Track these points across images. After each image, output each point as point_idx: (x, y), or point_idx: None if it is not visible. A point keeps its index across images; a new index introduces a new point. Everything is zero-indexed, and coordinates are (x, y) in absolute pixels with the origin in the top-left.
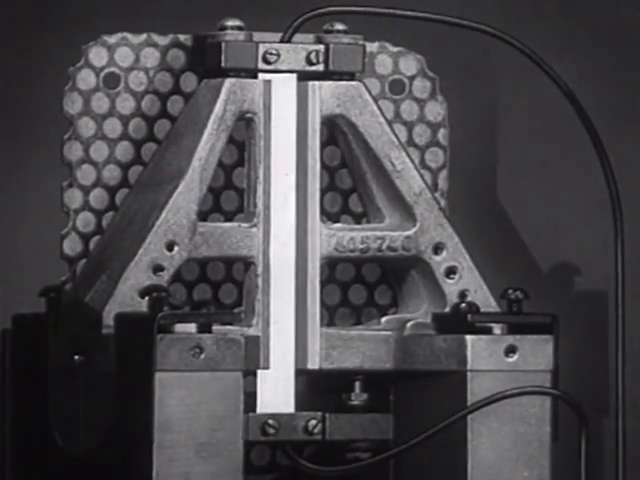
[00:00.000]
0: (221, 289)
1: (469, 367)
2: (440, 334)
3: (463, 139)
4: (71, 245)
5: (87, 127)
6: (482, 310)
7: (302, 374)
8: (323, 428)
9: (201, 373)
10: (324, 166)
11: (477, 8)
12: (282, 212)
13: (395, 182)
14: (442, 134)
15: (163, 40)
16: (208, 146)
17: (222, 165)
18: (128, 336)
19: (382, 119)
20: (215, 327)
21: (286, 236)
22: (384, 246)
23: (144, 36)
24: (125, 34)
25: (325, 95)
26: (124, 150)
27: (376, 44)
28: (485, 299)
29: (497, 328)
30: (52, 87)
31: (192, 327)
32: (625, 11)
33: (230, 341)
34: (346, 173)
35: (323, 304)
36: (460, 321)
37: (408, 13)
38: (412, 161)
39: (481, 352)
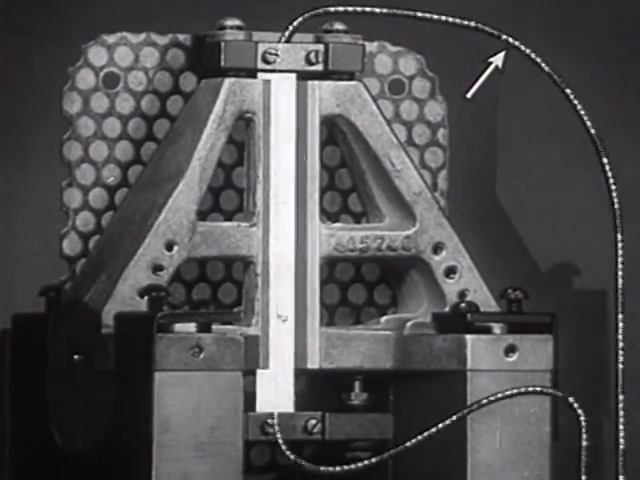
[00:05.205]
0: (220, 289)
1: (469, 367)
2: (440, 334)
3: (462, 139)
4: (70, 245)
5: (86, 127)
6: (482, 310)
7: (302, 374)
8: (323, 428)
9: (200, 373)
10: (324, 166)
11: (477, 8)
12: (282, 212)
13: (395, 182)
14: (441, 134)
15: (162, 40)
16: (208, 146)
17: (222, 165)
18: (128, 336)
19: (381, 119)
20: (214, 327)
21: (285, 236)
22: (384, 246)
23: (143, 36)
24: (124, 34)
25: (324, 95)
26: (123, 150)
27: (375, 44)
28: (485, 299)
29: (497, 328)
30: (51, 87)
31: (191, 327)
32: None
33: (229, 341)
34: (345, 173)
35: (323, 304)
36: (460, 321)
37: (408, 13)
38: (412, 161)
39: (481, 352)
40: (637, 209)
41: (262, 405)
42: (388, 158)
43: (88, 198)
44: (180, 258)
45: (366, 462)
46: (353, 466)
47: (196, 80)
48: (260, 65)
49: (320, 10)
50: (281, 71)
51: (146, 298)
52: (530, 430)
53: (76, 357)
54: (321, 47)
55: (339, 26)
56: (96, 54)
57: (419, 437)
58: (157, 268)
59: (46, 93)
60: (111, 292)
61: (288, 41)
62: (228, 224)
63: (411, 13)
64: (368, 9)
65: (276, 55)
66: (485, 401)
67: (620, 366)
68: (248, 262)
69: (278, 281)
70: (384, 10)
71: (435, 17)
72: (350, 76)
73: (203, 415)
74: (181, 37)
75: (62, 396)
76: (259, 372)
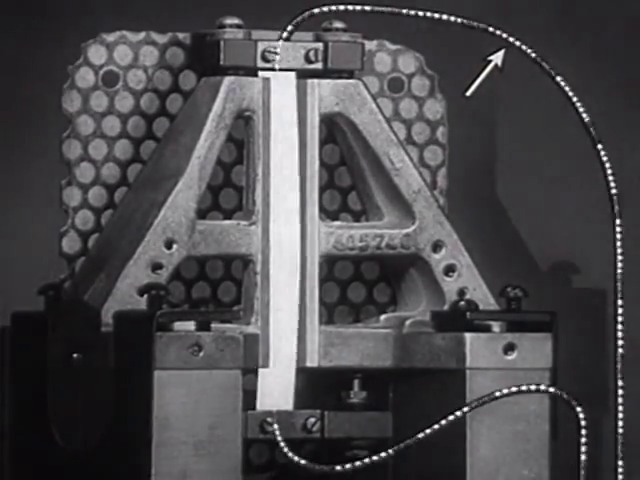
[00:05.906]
0: (220, 287)
1: (468, 365)
2: (439, 332)
3: (462, 137)
4: (70, 243)
5: (86, 125)
6: (481, 308)
7: (301, 372)
8: (322, 426)
9: (200, 371)
10: (323, 164)
11: (477, 6)
12: (281, 210)
13: (394, 180)
14: (441, 132)
15: (162, 38)
16: (207, 144)
17: (221, 163)
18: (127, 334)
19: (381, 117)
20: (214, 325)
21: (285, 234)
22: (383, 244)
23: (143, 34)
24: (124, 32)
25: (324, 93)
26: (123, 148)
27: (375, 42)
28: (484, 297)
29: (496, 326)
30: (51, 85)
31: (191, 325)
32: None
33: (229, 339)
34: (345, 171)
35: (322, 302)
36: (459, 319)
37: (407, 12)
38: (411, 159)
39: (480, 350)
40: (636, 207)
41: (261, 403)
42: (387, 156)
43: (87, 196)
44: (179, 256)
45: (365, 460)
46: (352, 465)
47: (195, 79)
48: (260, 63)
49: (319, 9)
50: (281, 69)
51: (145, 296)
52: (529, 428)
53: (75, 356)
54: (320, 45)
55: (338, 24)
56: (96, 53)
57: (418, 435)
58: (156, 266)
59: (46, 91)
60: (110, 290)
61: (287, 39)
62: (227, 222)
63: (411, 12)
64: (367, 8)
65: (275, 54)
66: (484, 399)
67: (619, 365)
68: (247, 260)
69: (277, 279)
70: (383, 9)
71: (435, 16)
72: (349, 74)
73: (202, 413)
74: (180, 36)
75: (61, 395)
76: (258, 371)
